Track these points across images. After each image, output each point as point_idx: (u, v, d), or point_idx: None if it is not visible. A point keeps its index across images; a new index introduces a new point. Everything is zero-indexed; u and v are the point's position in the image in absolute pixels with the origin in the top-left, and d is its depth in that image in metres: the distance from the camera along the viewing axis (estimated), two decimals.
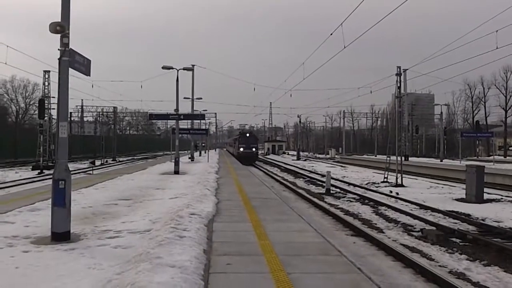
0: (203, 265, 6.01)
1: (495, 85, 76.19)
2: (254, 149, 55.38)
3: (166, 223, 8.43)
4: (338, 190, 24.38)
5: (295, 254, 6.80)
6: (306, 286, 5.27)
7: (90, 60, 8.95)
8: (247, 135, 59.13)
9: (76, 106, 79.70)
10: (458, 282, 8.40)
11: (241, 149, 54.14)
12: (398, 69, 29.53)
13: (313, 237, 8.27)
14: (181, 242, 6.87)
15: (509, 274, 9.10)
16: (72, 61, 8.09)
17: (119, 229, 8.66)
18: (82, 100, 78.61)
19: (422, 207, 17.48)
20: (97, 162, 49.00)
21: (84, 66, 8.71)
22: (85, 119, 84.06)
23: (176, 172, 24.58)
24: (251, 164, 48.13)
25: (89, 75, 9.17)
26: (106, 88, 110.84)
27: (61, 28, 7.65)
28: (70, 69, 8.06)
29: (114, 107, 69.43)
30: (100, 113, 70.28)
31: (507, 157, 63.49)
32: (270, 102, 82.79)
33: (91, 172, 31.16)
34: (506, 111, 75.30)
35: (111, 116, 69.71)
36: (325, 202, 19.66)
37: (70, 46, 7.93)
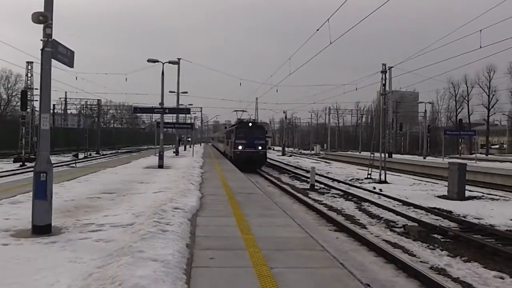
0: (186, 259, 5.98)
1: (478, 84, 77.35)
2: (261, 147, 34.74)
3: (149, 217, 8.38)
4: (322, 185, 24.51)
5: (278, 249, 6.80)
6: (288, 281, 5.28)
7: (73, 51, 8.82)
8: (250, 124, 37.03)
9: (60, 98, 78.47)
10: (438, 278, 8.50)
11: (240, 147, 34.16)
12: (383, 66, 29.74)
13: (296, 232, 8.28)
14: (164, 236, 6.83)
15: (488, 270, 9.24)
16: (55, 52, 7.95)
17: (102, 222, 8.58)
18: (65, 92, 77.43)
19: (405, 203, 17.66)
20: (81, 155, 48.49)
21: (67, 57, 8.58)
22: (68, 111, 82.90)
23: (160, 166, 24.44)
24: (256, 172, 32.65)
25: (73, 67, 9.03)
26: (90, 81, 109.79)
27: (43, 18, 7.51)
28: (53, 60, 7.93)
29: (98, 100, 68.82)
30: (84, 106, 69.63)
31: (489, 156, 64.49)
32: (256, 98, 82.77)
33: (74, 165, 30.86)
34: (488, 110, 76.52)
35: (95, 109, 69.00)
36: (309, 198, 19.75)
37: (53, 37, 7.80)
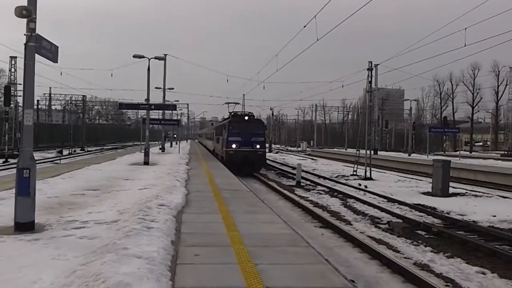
0: (171, 256, 5.96)
1: (463, 82, 78.22)
2: (259, 146, 28.86)
3: (134, 214, 8.33)
4: (308, 182, 24.61)
5: (263, 245, 6.81)
6: (273, 277, 5.29)
7: (57, 46, 8.71)
8: (246, 117, 31.18)
9: (44, 94, 77.51)
10: (422, 274, 8.60)
11: (234, 146, 28.45)
12: (370, 64, 29.89)
13: (282, 228, 8.30)
14: (149, 233, 6.80)
15: (470, 265, 9.38)
16: (38, 46, 7.85)
17: (86, 219, 8.51)
18: (50, 88, 76.45)
19: (390, 200, 17.81)
20: (65, 152, 47.97)
21: (51, 53, 8.47)
22: (53, 107, 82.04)
23: (146, 163, 24.31)
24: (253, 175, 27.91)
25: (57, 62, 8.93)
26: (75, 76, 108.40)
27: (27, 12, 7.40)
28: (36, 55, 7.82)
29: (83, 96, 68.16)
30: (69, 102, 68.91)
31: (473, 153, 65.28)
32: (243, 94, 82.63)
33: (58, 161, 30.54)
34: (473, 108, 77.36)
35: (80, 104, 68.37)
36: (295, 194, 19.81)
37: (37, 31, 7.69)
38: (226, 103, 37.83)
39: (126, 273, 4.82)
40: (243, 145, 28.15)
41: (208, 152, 43.96)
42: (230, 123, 29.33)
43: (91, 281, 4.74)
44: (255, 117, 33.15)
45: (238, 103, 40.09)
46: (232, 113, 32.73)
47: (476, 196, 19.13)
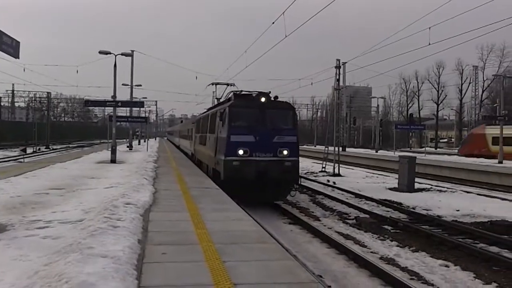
0: (137, 255, 5.87)
1: (428, 80, 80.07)
2: (287, 152, 15.30)
3: (100, 213, 8.16)
4: None
5: (232, 243, 6.79)
6: (241, 274, 5.28)
7: (19, 42, 8.44)
8: (262, 99, 15.86)
9: (7, 90, 75.40)
10: (387, 268, 8.77)
11: (242, 152, 15.03)
12: (338, 61, 30.20)
13: (250, 225, 8.29)
14: (115, 232, 6.67)
15: (434, 259, 9.63)
16: None
17: (49, 219, 8.29)
18: (13, 84, 74.37)
19: (358, 196, 18.09)
20: (29, 150, 46.61)
21: (12, 48, 8.21)
22: (16, 104, 79.82)
23: (113, 161, 23.88)
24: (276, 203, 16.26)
25: (18, 58, 8.64)
26: (39, 72, 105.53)
27: None
28: None
29: (47, 93, 66.59)
30: (33, 99, 67.09)
31: (438, 149, 66.98)
32: (213, 91, 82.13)
33: (22, 160, 29.67)
34: (437, 105, 79.37)
35: (45, 102, 66.74)
36: None
37: None
38: (213, 83, 25.82)
39: (91, 273, 4.72)
40: (258, 149, 15.11)
41: (177, 149, 43.27)
42: (232, 108, 15.73)
43: (54, 282, 4.62)
44: (278, 99, 16.67)
45: (232, 84, 23.83)
46: (233, 93, 18.14)
47: (440, 191, 19.61)
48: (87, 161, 25.04)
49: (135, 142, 54.27)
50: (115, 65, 27.30)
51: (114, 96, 26.62)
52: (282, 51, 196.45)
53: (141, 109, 54.73)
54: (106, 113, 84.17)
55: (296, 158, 15.63)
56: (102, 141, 70.24)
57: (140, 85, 45.80)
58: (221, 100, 21.25)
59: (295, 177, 15.93)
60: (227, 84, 23.39)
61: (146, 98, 57.48)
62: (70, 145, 66.10)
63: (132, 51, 35.60)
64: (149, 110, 79.24)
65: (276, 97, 16.55)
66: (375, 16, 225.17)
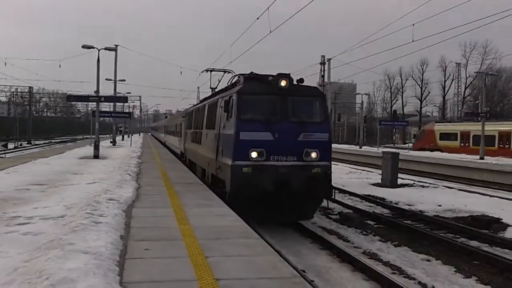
0: (119, 250, 5.82)
1: (412, 76, 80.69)
2: (316, 155, 11.33)
3: (82, 208, 8.08)
4: None
5: (215, 238, 6.77)
6: (224, 269, 5.28)
7: None
8: (282, 83, 11.38)
9: None
10: (370, 262, 8.85)
11: (255, 155, 10.94)
12: (322, 58, 30.34)
13: (234, 221, 8.27)
14: (97, 228, 6.61)
15: (416, 253, 9.75)
16: None
17: (30, 215, 8.20)
18: None
19: (341, 191, 18.14)
20: (10, 146, 45.95)
21: None
22: None
23: (96, 156, 23.67)
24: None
25: None
26: (21, 67, 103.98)
27: None
28: None
29: (29, 87, 65.44)
30: (14, 93, 66.02)
31: None
32: (198, 87, 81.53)
33: (3, 155, 29.24)
34: (421, 102, 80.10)
35: (26, 96, 65.72)
36: None
37: None
38: (208, 69, 21.02)
39: (72, 269, 4.67)
40: (277, 151, 11.23)
41: (161, 145, 42.93)
42: (242, 95, 11.61)
43: (34, 278, 4.56)
44: (303, 83, 12.37)
45: (231, 71, 18.71)
46: (243, 75, 13.10)
47: (423, 186, 19.81)
48: (70, 156, 24.78)
49: (118, 138, 53.81)
50: (98, 60, 27.02)
51: (97, 91, 26.36)
52: (267, 47, 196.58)
53: (125, 104, 54.35)
54: (89, 108, 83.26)
55: (328, 162, 11.90)
56: (85, 136, 69.46)
57: (124, 80, 45.51)
58: (220, 89, 17.00)
59: (326, 189, 11.82)
60: (224, 71, 19.13)
61: (130, 93, 57.07)
62: (53, 141, 65.29)
63: (116, 45, 35.34)
64: (133, 105, 78.67)
65: (301, 79, 12.22)
66: (362, 13, 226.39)
